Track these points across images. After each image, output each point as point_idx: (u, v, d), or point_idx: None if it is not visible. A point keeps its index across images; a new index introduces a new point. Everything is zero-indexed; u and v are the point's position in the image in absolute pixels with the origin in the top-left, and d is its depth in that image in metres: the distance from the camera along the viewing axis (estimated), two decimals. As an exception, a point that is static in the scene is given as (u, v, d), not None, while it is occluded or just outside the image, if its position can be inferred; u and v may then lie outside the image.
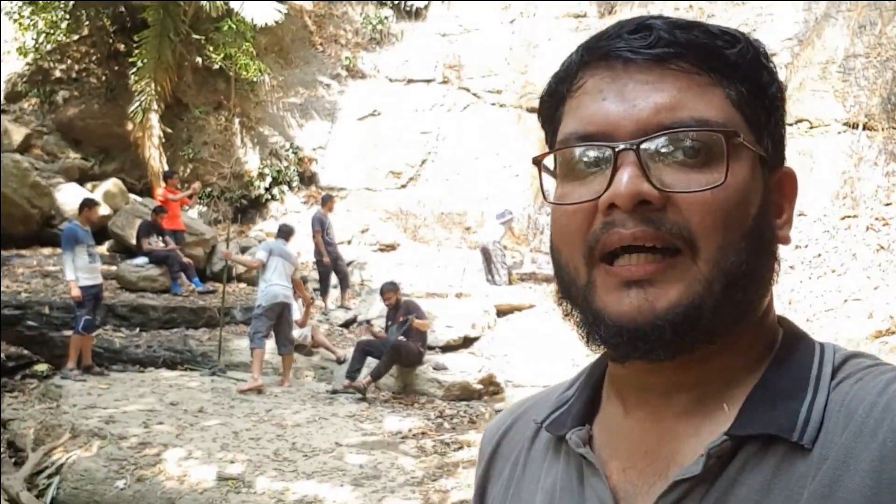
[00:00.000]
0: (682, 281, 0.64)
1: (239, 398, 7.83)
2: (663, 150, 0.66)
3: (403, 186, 16.13)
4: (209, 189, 15.43)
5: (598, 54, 0.70)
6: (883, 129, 10.93)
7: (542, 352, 9.36)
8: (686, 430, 0.69)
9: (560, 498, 0.75)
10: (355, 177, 16.15)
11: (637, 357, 0.66)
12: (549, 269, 12.90)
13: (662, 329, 0.64)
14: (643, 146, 0.65)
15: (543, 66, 15.32)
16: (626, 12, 14.62)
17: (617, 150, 0.66)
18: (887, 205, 10.33)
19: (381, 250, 14.70)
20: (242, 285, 12.70)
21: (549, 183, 0.74)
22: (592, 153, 0.68)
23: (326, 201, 12.27)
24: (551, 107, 0.75)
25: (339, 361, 9.56)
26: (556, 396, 0.83)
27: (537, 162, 0.74)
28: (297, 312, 9.83)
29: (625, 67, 0.68)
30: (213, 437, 6.50)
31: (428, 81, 16.76)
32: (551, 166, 0.75)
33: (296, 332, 9.73)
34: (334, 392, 8.36)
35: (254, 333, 8.32)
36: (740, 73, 0.68)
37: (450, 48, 16.85)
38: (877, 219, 9.84)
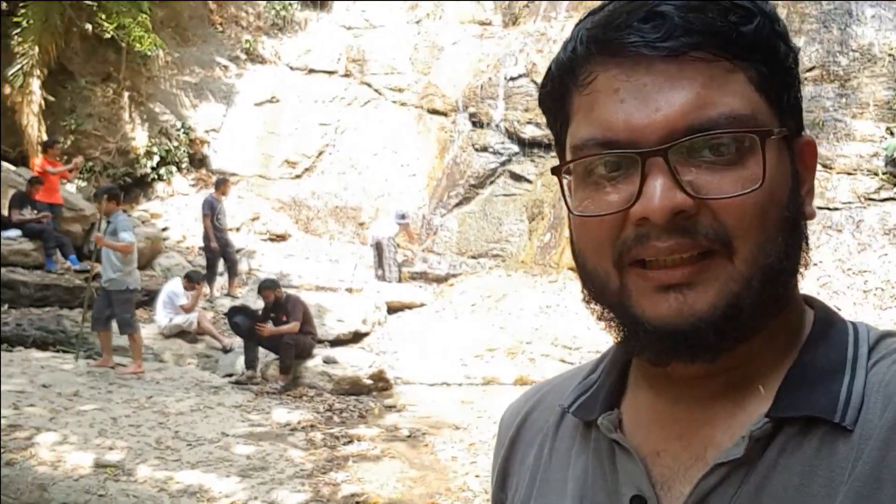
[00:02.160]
0: (718, 280, 0.63)
1: (117, 383, 7.50)
2: (691, 152, 0.63)
3: (298, 177, 15.87)
4: (91, 164, 14.65)
5: (607, 49, 0.65)
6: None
7: (432, 349, 9.46)
8: (722, 413, 0.68)
9: (592, 484, 0.73)
10: (249, 163, 15.75)
11: (679, 360, 0.66)
12: (439, 270, 13.05)
13: (704, 332, 0.62)
14: (671, 151, 0.62)
15: (446, 70, 15.49)
16: (529, 24, 14.99)
17: (645, 156, 0.63)
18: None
19: (272, 240, 14.42)
20: (122, 266, 12.13)
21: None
22: (615, 159, 0.65)
23: (220, 185, 11.91)
24: (556, 98, 0.71)
25: (225, 350, 9.32)
26: (578, 381, 0.81)
27: (558, 173, 0.71)
28: (183, 298, 9.52)
29: (638, 63, 0.64)
30: (90, 422, 6.20)
31: (330, 73, 16.57)
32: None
33: (181, 318, 9.43)
34: (237, 383, 8.20)
35: (130, 318, 8.05)
36: (759, 52, 0.65)
37: (354, 42, 16.72)
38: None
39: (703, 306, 0.62)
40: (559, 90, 0.70)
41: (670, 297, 0.63)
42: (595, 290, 0.69)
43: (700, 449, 0.67)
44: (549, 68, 0.72)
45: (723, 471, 0.64)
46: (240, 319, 8.56)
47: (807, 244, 0.69)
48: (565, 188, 0.71)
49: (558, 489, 0.77)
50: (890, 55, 10.09)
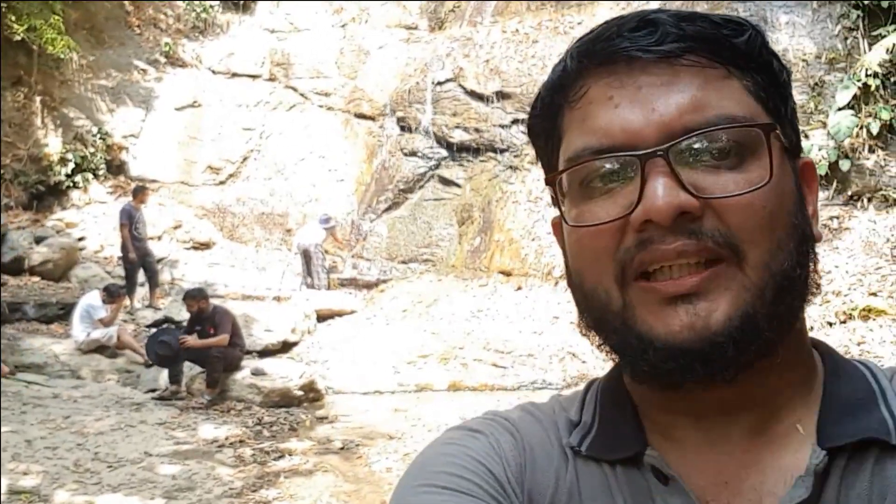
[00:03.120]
0: (729, 290, 0.59)
1: (32, 402, 7.13)
2: (692, 153, 0.60)
3: (222, 183, 15.52)
4: (1, 171, 13.97)
5: (599, 58, 0.63)
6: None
7: (363, 358, 9.33)
8: (765, 455, 0.64)
9: None
10: (170, 169, 15.32)
11: (695, 381, 0.60)
12: (369, 276, 12.94)
13: (722, 347, 0.58)
14: (672, 151, 0.59)
15: (373, 74, 15.39)
16: (455, 29, 15.03)
17: (644, 158, 0.59)
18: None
19: (195, 248, 14.06)
20: (35, 278, 11.62)
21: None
22: (611, 166, 0.62)
23: (138, 193, 11.53)
24: (547, 120, 0.68)
25: (147, 364, 8.98)
26: (567, 423, 0.71)
27: (551, 183, 0.67)
28: (101, 311, 9.16)
29: (632, 68, 0.62)
30: (3, 445, 5.86)
31: (254, 77, 16.27)
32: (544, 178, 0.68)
33: (100, 333, 9.06)
34: (161, 398, 7.91)
35: None
36: (753, 63, 0.63)
37: (278, 45, 16.46)
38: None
39: (718, 318, 0.58)
40: (550, 111, 0.67)
41: (680, 310, 0.59)
42: (594, 313, 0.64)
43: (754, 496, 0.63)
44: (539, 93, 0.69)
45: None
46: (162, 349, 8.20)
47: (816, 267, 0.65)
48: (559, 200, 0.67)
49: None
50: (803, 60, 10.48)
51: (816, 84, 10.34)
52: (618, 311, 0.62)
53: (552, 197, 0.68)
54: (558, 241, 0.70)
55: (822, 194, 10.06)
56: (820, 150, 9.72)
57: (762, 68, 0.64)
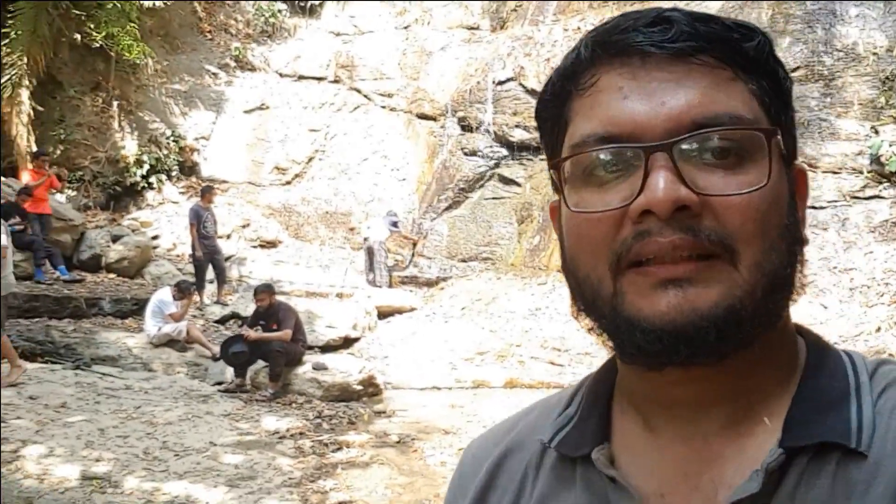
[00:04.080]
0: (721, 284, 0.60)
1: (105, 393, 7.48)
2: (694, 151, 0.61)
3: (288, 183, 15.90)
4: (81, 173, 14.65)
5: (613, 49, 0.64)
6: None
7: (422, 354, 9.47)
8: (727, 448, 0.64)
9: None
10: (239, 170, 15.78)
11: (678, 362, 0.61)
12: (429, 274, 13.09)
13: (706, 330, 0.59)
14: (676, 147, 0.61)
15: (435, 74, 15.53)
16: (516, 28, 15.03)
17: (649, 151, 0.61)
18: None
19: (262, 246, 14.44)
20: (112, 275, 12.14)
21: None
22: (615, 156, 0.63)
23: (205, 193, 11.94)
24: (555, 106, 0.69)
25: (214, 358, 9.30)
26: (554, 415, 0.75)
27: (556, 167, 0.67)
28: (172, 306, 9.52)
29: (644, 63, 0.63)
30: (77, 434, 6.18)
31: (319, 79, 16.62)
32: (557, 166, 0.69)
33: (170, 328, 9.42)
34: (227, 391, 8.20)
35: None
36: (760, 68, 0.65)
37: (343, 48, 16.77)
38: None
39: (705, 303, 0.59)
40: (559, 97, 0.68)
41: (670, 292, 0.60)
42: (586, 298, 0.66)
43: (710, 489, 0.63)
44: (549, 78, 0.70)
45: None
46: (237, 348, 8.50)
47: (802, 268, 0.67)
48: (564, 190, 0.67)
49: None
50: (874, 54, 10.14)
51: (888, 78, 9.99)
52: (608, 297, 0.63)
53: (553, 182, 0.69)
54: (555, 226, 0.72)
55: (892, 191, 9.74)
56: (891, 145, 9.39)
57: (768, 74, 0.65)
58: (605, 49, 0.65)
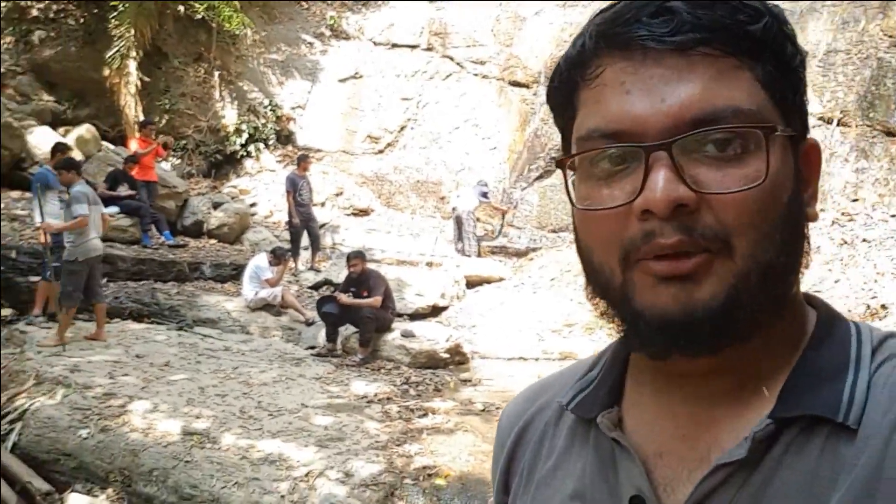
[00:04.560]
0: (717, 275, 0.63)
1: (206, 354, 7.84)
2: (694, 146, 0.63)
3: (381, 152, 16.08)
4: (184, 142, 15.25)
5: (615, 42, 0.66)
6: (856, 126, 11.13)
7: (510, 325, 9.48)
8: (726, 414, 0.67)
9: (591, 483, 0.73)
10: (333, 139, 16.06)
11: (678, 352, 0.65)
12: (519, 244, 13.03)
13: (702, 323, 0.62)
14: (675, 145, 0.63)
15: (528, 40, 15.30)
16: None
17: (649, 150, 0.63)
18: (854, 200, 10.55)
19: (355, 214, 14.71)
20: (213, 241, 12.64)
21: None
22: (619, 152, 0.65)
23: (301, 161, 12.22)
24: (564, 94, 0.71)
25: (308, 323, 9.59)
26: (577, 378, 0.80)
27: (561, 165, 0.70)
28: (268, 272, 9.84)
29: (646, 57, 0.64)
30: (179, 391, 6.51)
31: (412, 47, 16.64)
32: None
33: (266, 292, 9.75)
34: (318, 355, 8.47)
35: (72, 291, 7.58)
36: (766, 51, 0.65)
37: (436, 15, 16.71)
38: (843, 214, 10.06)
39: (702, 298, 0.62)
40: (567, 85, 0.70)
41: (672, 288, 0.63)
42: (599, 285, 0.69)
43: (705, 451, 0.67)
44: (558, 64, 0.72)
45: (725, 471, 0.64)
46: (329, 308, 8.75)
47: (808, 245, 0.69)
48: (569, 183, 0.70)
49: (557, 487, 0.76)
50: None
51: None
52: (618, 287, 0.66)
53: (564, 178, 0.71)
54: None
55: None
56: None
57: (775, 56, 0.66)
58: (607, 42, 0.66)
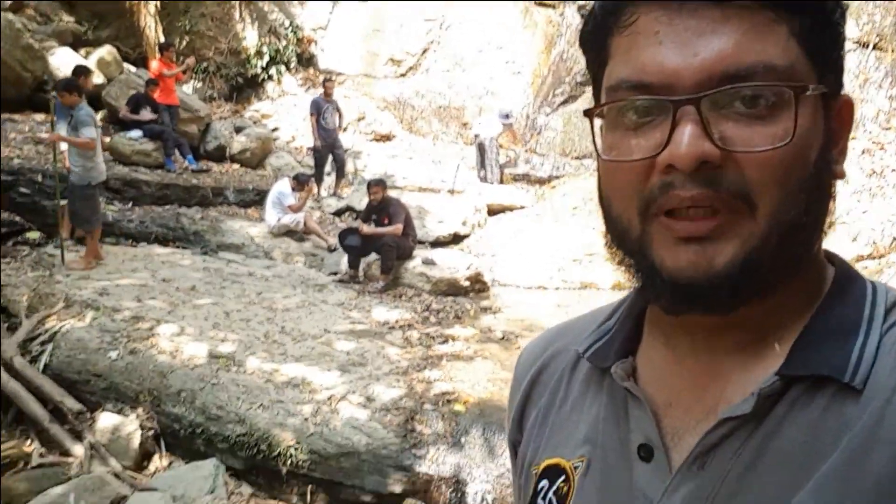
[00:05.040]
0: (739, 237, 0.63)
1: (230, 279, 7.96)
2: (723, 102, 0.62)
3: (403, 75, 15.83)
4: (205, 64, 15.10)
5: None
6: (892, 51, 10.77)
7: (530, 253, 9.49)
8: (736, 368, 0.68)
9: (603, 429, 0.75)
10: (354, 62, 15.81)
11: (692, 311, 0.66)
12: (542, 172, 12.92)
13: (720, 286, 0.63)
14: (704, 100, 0.62)
15: (555, -41, 14.78)
16: None
17: (677, 104, 0.62)
18: (886, 129, 10.30)
19: (377, 140, 14.59)
20: (235, 166, 12.65)
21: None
22: (646, 104, 0.65)
23: (325, 84, 12.08)
24: (596, 40, 0.70)
25: (330, 249, 9.67)
26: (595, 325, 0.82)
27: (589, 115, 0.70)
28: (291, 198, 9.87)
29: (682, 7, 0.63)
30: (205, 315, 6.65)
31: (435, -35, 16.16)
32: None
33: (288, 218, 9.81)
34: (341, 281, 8.55)
35: (90, 214, 7.72)
36: (804, 4, 0.64)
37: (460, -68, 16.15)
38: (874, 143, 9.84)
39: (721, 261, 0.63)
40: (600, 31, 0.69)
41: (690, 249, 0.63)
42: (617, 235, 0.69)
43: (712, 403, 0.68)
44: (592, 8, 0.71)
45: (730, 425, 0.65)
46: (352, 240, 8.77)
47: (833, 203, 0.69)
48: (596, 133, 0.70)
49: (570, 430, 0.79)
50: None
51: None
52: (636, 239, 0.67)
53: (591, 128, 0.72)
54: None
55: None
56: None
57: (814, 8, 0.64)
58: None
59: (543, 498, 0.78)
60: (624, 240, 0.68)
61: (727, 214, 0.63)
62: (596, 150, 0.70)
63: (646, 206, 0.65)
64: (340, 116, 12.03)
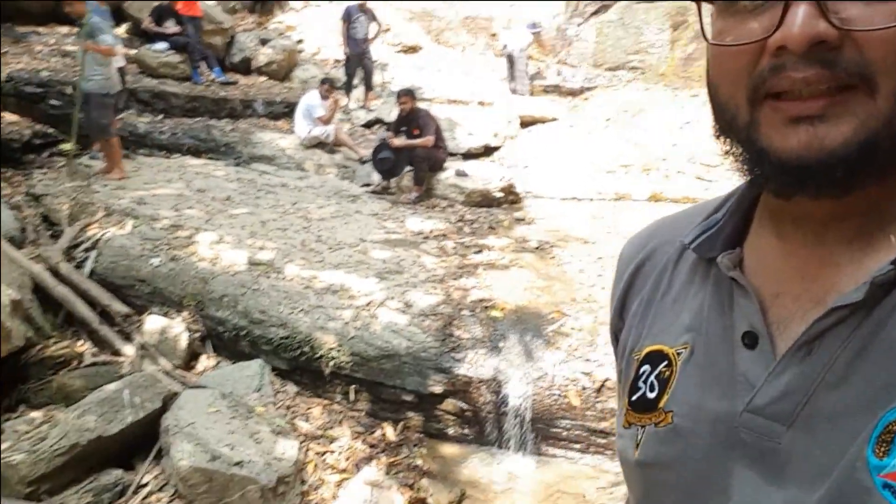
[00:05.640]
0: (856, 116, 0.59)
1: (264, 189, 7.98)
2: None
3: (430, -15, 15.43)
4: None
5: None
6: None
7: (563, 165, 9.41)
8: (847, 259, 0.66)
9: (707, 317, 0.75)
10: (380, -29, 15.37)
11: (803, 195, 0.63)
12: (573, 83, 12.67)
13: (833, 167, 0.60)
14: None
15: None
16: None
17: None
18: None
19: (404, 52, 14.33)
20: (262, 78, 12.52)
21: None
22: None
23: None
24: None
25: (361, 161, 9.64)
26: (702, 218, 0.81)
27: (697, 0, 0.67)
28: (320, 109, 9.80)
29: None
30: (242, 224, 6.70)
31: None
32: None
33: (318, 130, 9.76)
34: (374, 192, 8.56)
35: (106, 123, 7.59)
36: None
37: None
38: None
39: (834, 140, 0.60)
40: None
41: (800, 129, 0.60)
42: (725, 122, 0.67)
43: (821, 292, 0.67)
44: None
45: (840, 313, 0.64)
46: (385, 153, 8.71)
47: None
48: (703, 17, 0.68)
49: (672, 318, 0.79)
50: None
51: None
52: (744, 125, 0.64)
53: (698, 13, 0.69)
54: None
55: None
56: None
57: None
58: None
59: (645, 381, 0.79)
60: (732, 127, 0.66)
61: (844, 94, 0.59)
62: (704, 36, 0.67)
63: (754, 90, 0.62)
64: (378, 27, 11.78)
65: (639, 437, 0.79)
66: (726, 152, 0.69)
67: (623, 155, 9.20)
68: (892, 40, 0.58)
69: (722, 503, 0.70)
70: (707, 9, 0.68)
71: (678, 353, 0.77)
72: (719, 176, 8.61)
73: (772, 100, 0.62)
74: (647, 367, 0.80)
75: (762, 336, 0.69)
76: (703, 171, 8.75)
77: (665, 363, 0.78)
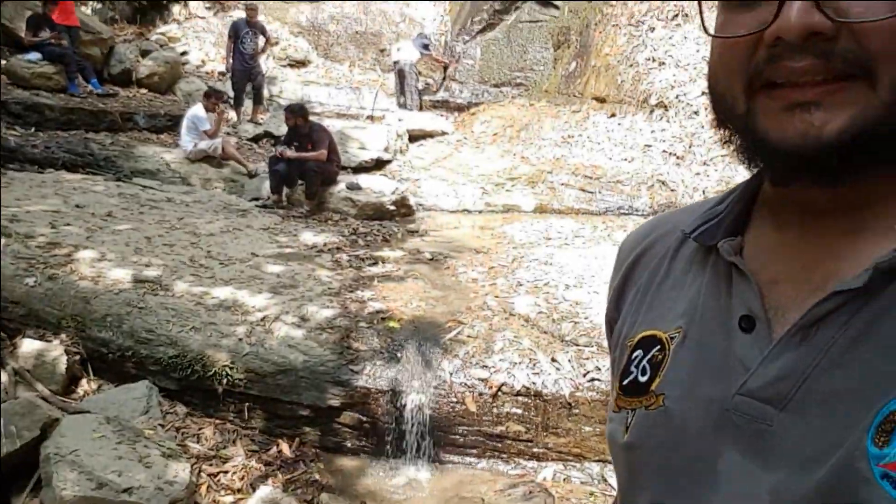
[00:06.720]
0: (855, 105, 0.60)
1: (148, 205, 7.70)
2: None
3: (317, 0, 15.35)
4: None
5: None
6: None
7: (453, 178, 9.55)
8: (848, 249, 0.66)
9: (704, 302, 0.75)
10: (265, -16, 15.19)
11: (800, 183, 0.65)
12: (461, 99, 12.91)
13: (829, 156, 0.60)
14: None
15: None
16: None
17: None
18: None
19: (291, 66, 14.21)
20: (143, 91, 12.10)
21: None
22: None
23: (247, 9, 11.61)
24: None
25: (251, 175, 9.46)
26: (704, 210, 0.81)
27: None
28: (206, 122, 9.56)
29: None
30: (126, 241, 6.43)
31: None
32: None
33: (205, 144, 9.51)
34: (264, 206, 8.40)
35: None
36: None
37: None
38: None
39: (832, 128, 0.60)
40: None
41: (796, 117, 0.61)
42: (722, 113, 0.69)
43: (822, 281, 0.66)
44: None
45: (839, 299, 0.63)
46: (280, 166, 8.58)
47: None
48: (703, 11, 0.70)
49: (668, 306, 0.79)
50: None
51: None
52: (741, 115, 0.66)
53: (699, 8, 0.72)
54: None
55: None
56: None
57: None
58: None
59: (637, 366, 0.79)
60: (729, 117, 0.68)
61: (841, 83, 0.60)
62: (704, 29, 0.69)
63: (751, 80, 0.64)
64: (267, 41, 11.62)
65: (629, 420, 0.78)
66: (724, 142, 0.71)
67: (510, 168, 9.43)
68: (889, 31, 0.58)
69: (709, 485, 0.69)
70: (707, 6, 0.72)
71: (671, 338, 0.77)
72: (601, 188, 8.96)
73: (768, 89, 0.63)
74: (639, 352, 0.80)
75: (760, 320, 0.69)
76: (586, 183, 9.08)
77: (658, 347, 0.78)
